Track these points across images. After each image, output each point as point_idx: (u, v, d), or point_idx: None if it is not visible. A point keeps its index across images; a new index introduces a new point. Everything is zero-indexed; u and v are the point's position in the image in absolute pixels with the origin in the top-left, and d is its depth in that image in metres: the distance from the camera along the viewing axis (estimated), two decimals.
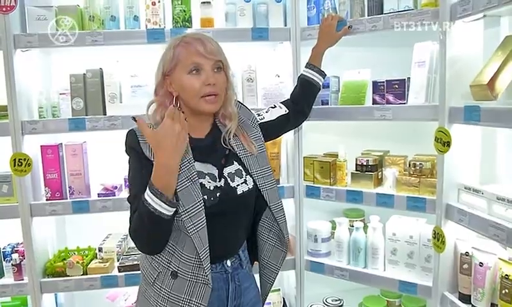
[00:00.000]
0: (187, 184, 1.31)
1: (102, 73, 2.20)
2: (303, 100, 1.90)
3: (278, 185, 2.21)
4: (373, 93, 2.00)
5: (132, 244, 2.46)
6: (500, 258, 1.59)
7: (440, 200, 1.78)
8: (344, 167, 2.17)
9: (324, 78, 1.94)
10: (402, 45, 1.98)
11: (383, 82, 1.95)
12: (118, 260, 2.29)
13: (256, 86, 2.23)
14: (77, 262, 2.20)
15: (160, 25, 2.16)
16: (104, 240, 2.41)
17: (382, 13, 1.90)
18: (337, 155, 2.20)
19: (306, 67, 1.93)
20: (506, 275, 1.52)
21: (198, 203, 1.30)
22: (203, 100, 1.35)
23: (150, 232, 1.28)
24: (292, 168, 2.29)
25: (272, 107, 1.78)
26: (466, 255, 1.71)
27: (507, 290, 1.51)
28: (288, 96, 1.89)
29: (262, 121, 1.66)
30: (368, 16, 1.96)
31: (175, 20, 2.17)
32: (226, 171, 1.42)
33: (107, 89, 2.19)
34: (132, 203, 1.34)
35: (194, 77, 1.34)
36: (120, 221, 2.37)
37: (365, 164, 2.09)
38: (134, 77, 2.24)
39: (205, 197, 1.33)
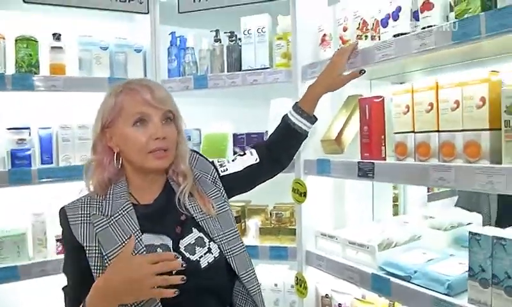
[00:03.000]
0: None
1: None
2: (282, 149, 1.56)
3: None
4: (234, 145, 2.06)
5: None
6: (355, 298, 1.72)
7: (300, 247, 1.88)
8: None
9: (313, 124, 1.56)
10: (261, 100, 2.10)
11: (243, 135, 2.03)
12: None
13: None
14: None
15: None
16: None
17: (240, 70, 2.00)
18: None
19: (293, 108, 1.54)
20: None
21: None
22: (151, 155, 1.17)
23: None
24: None
25: (240, 155, 1.49)
26: (326, 297, 1.82)
27: None
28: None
29: (225, 173, 1.40)
30: (227, 72, 2.03)
31: (19, 65, 1.95)
32: (183, 243, 1.19)
33: None
34: (65, 293, 1.18)
35: (139, 130, 1.16)
36: None
37: None
38: None
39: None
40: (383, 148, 1.52)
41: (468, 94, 1.22)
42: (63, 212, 1.18)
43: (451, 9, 1.26)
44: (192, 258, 1.17)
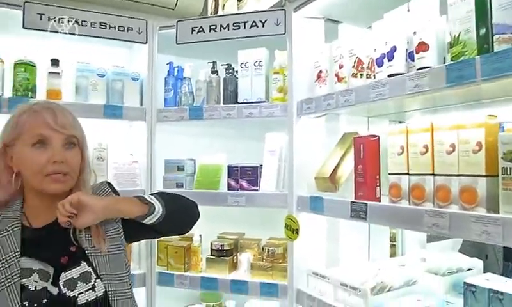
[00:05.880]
0: (1, 287, 1.07)
1: None
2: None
3: None
4: (228, 177, 2.03)
5: None
6: None
7: (291, 285, 1.83)
8: (199, 251, 2.10)
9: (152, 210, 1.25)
10: (257, 132, 2.07)
11: (237, 167, 1.99)
12: None
13: (107, 166, 2.08)
14: None
15: None
16: None
17: (236, 102, 1.99)
18: (192, 237, 2.13)
19: None
20: None
21: None
22: (49, 178, 1.15)
23: None
24: (145, 251, 2.14)
25: None
26: None
27: None
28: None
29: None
30: (223, 103, 2.02)
31: (16, 88, 1.94)
32: (66, 276, 1.14)
33: None
34: None
35: (38, 152, 1.15)
36: None
37: (220, 248, 2.07)
38: None
39: (26, 303, 1.07)
40: (378, 188, 1.47)
41: (464, 138, 1.18)
42: None
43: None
44: (69, 293, 1.13)
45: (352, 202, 1.48)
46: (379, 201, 1.45)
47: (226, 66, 2.05)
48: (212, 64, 2.09)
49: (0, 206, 1.19)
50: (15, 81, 1.94)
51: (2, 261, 1.10)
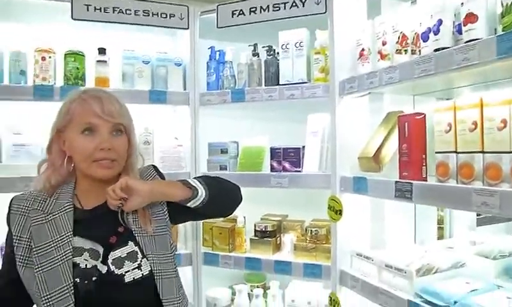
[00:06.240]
0: (56, 264, 1.13)
1: None
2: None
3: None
4: (271, 159, 2.04)
5: None
6: None
7: (334, 266, 1.83)
8: (243, 232, 2.14)
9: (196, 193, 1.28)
10: (299, 114, 2.07)
11: (280, 149, 2.00)
12: None
13: (153, 149, 2.15)
14: None
15: (49, 82, 2.00)
16: None
17: (278, 84, 1.99)
18: (236, 219, 2.17)
19: None
20: None
21: (66, 287, 1.11)
22: (96, 164, 1.22)
23: None
24: (191, 233, 2.20)
25: None
26: None
27: None
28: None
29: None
30: (265, 85, 2.03)
31: (67, 77, 2.03)
32: (113, 255, 1.20)
33: None
34: None
35: (87, 139, 1.21)
36: None
37: (263, 230, 2.09)
38: (18, 134, 2.03)
39: (77, 280, 1.14)
40: (424, 167, 1.43)
41: None
42: (11, 200, 1.25)
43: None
44: (117, 271, 1.18)
45: (396, 182, 1.45)
46: (426, 181, 1.41)
47: (267, 48, 2.05)
48: (253, 46, 2.10)
49: (55, 187, 1.26)
50: (65, 70, 2.04)
51: (57, 240, 1.17)
